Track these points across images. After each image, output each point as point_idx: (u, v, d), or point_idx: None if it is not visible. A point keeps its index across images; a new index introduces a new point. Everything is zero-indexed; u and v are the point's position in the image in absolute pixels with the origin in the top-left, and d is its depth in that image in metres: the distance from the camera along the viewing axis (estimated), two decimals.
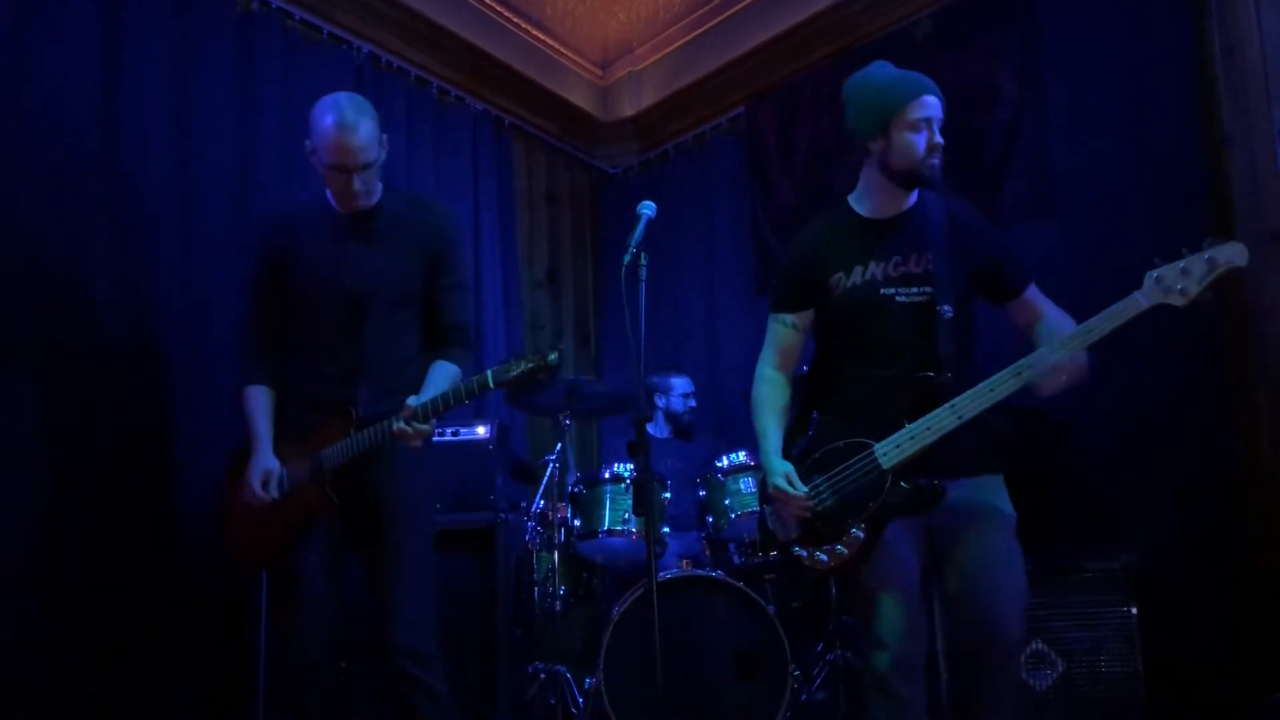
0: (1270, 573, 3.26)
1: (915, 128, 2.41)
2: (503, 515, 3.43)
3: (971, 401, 2.26)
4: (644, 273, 2.56)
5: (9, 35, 3.25)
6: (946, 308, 2.37)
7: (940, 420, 2.28)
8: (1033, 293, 2.50)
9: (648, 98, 6.05)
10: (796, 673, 3.53)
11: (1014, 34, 4.20)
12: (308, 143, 2.64)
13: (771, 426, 2.58)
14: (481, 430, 3.50)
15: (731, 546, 3.97)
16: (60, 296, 3.26)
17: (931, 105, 2.42)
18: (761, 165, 5.26)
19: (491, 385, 2.51)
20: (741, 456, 3.90)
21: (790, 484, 2.42)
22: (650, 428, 4.57)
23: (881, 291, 2.45)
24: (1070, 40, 3.99)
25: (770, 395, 2.63)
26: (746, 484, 3.83)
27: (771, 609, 3.57)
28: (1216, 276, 2.09)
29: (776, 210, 5.16)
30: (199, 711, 3.36)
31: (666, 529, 3.89)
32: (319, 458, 2.61)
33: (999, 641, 2.30)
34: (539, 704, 3.93)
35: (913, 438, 2.31)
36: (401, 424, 2.51)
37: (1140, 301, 2.14)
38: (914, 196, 2.53)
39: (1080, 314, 3.74)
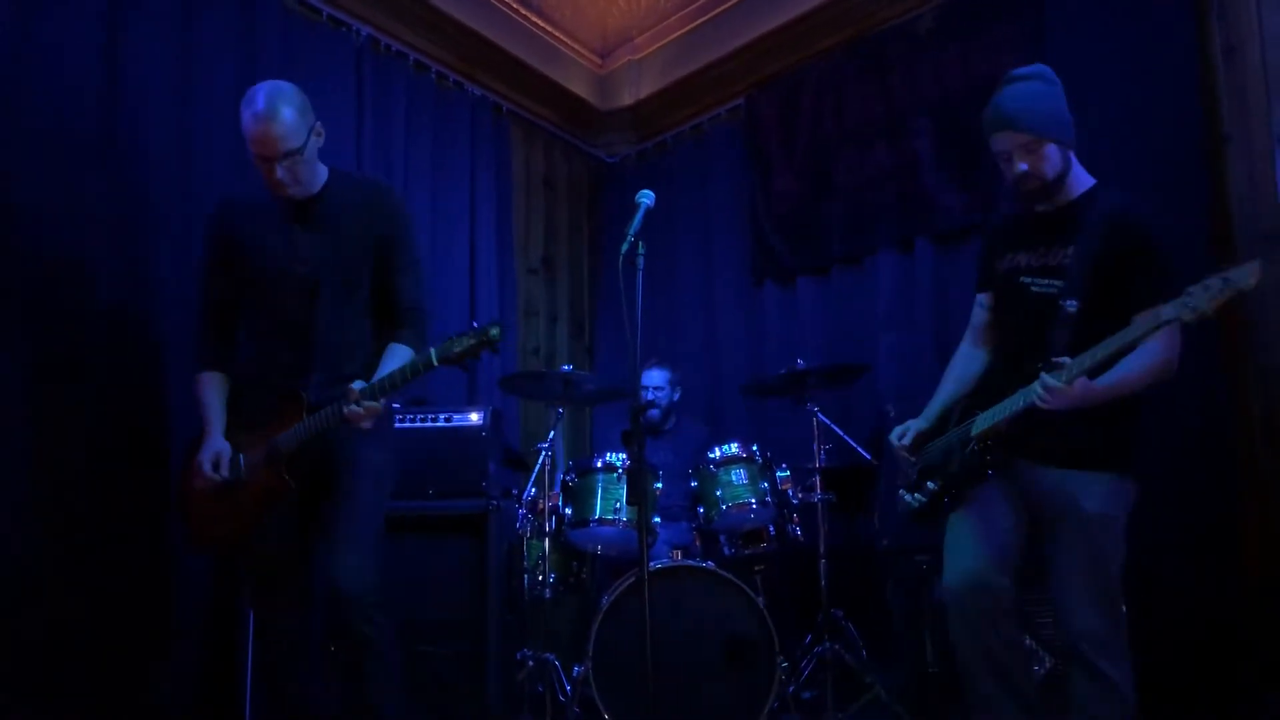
0: (1264, 574, 3.27)
1: (1001, 159, 2.59)
2: (494, 502, 3.42)
3: (1040, 388, 2.33)
4: (641, 262, 2.56)
5: (10, 13, 3.22)
6: (1071, 302, 2.42)
7: (1017, 401, 2.42)
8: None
9: (647, 87, 6.03)
10: (785, 664, 3.53)
11: (1020, 30, 4.18)
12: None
13: (942, 388, 2.83)
14: (475, 416, 3.49)
15: (722, 537, 3.97)
16: (56, 279, 3.24)
17: (1002, 140, 2.54)
18: (761, 156, 5.25)
19: (435, 363, 2.51)
20: (734, 448, 3.90)
21: (901, 437, 2.73)
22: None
23: (1020, 279, 2.61)
24: (1073, 38, 3.97)
25: (953, 363, 2.88)
26: (738, 475, 3.83)
27: (761, 600, 3.58)
28: (1228, 296, 2.08)
29: (775, 202, 5.15)
30: (192, 703, 3.35)
31: (657, 519, 3.88)
32: (274, 442, 2.62)
33: (1069, 634, 2.45)
34: (527, 691, 3.93)
35: (995, 414, 2.48)
36: (351, 406, 2.51)
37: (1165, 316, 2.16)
38: (1080, 187, 2.60)
39: None
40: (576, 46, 6.04)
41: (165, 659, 3.32)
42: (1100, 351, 2.24)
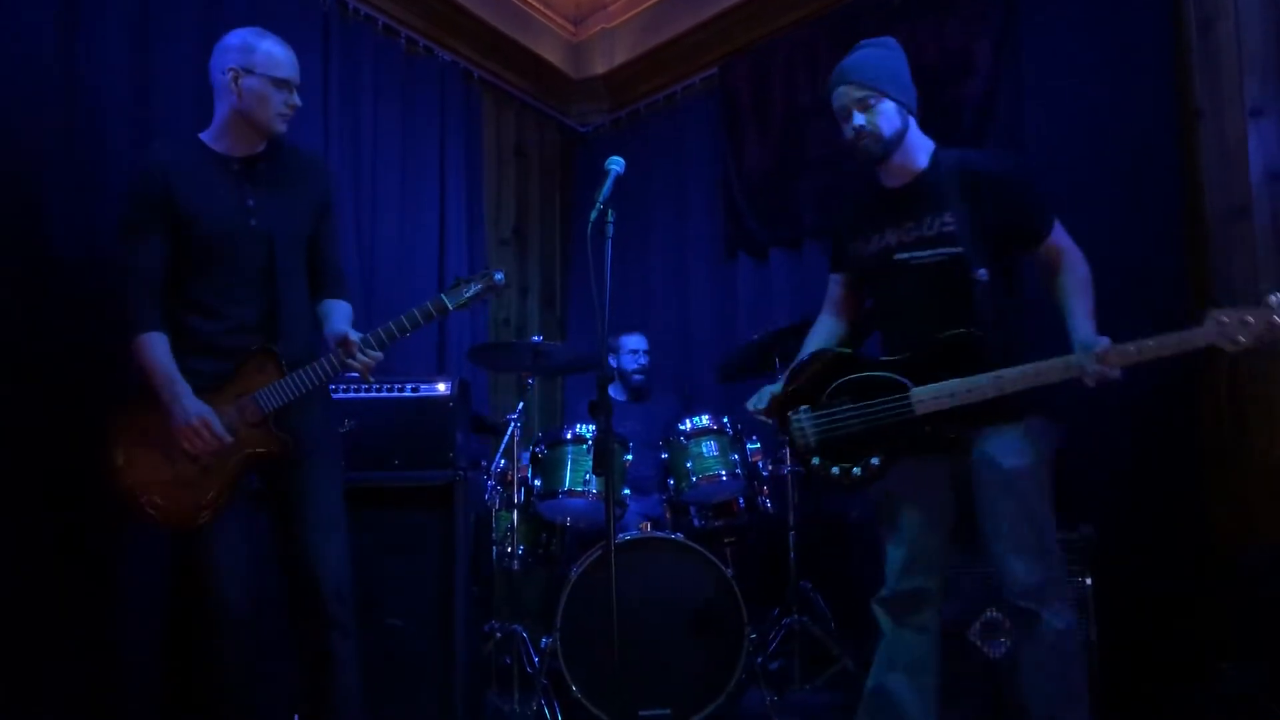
0: (1224, 546, 3.29)
1: (841, 117, 2.65)
2: (462, 472, 3.38)
3: (1017, 378, 2.35)
4: (610, 229, 2.53)
5: None
6: (981, 271, 2.43)
7: (981, 386, 2.38)
8: (1055, 237, 2.52)
9: (620, 55, 5.94)
10: (753, 636, 3.54)
11: (992, 3, 4.15)
12: (233, 68, 2.63)
13: (806, 346, 2.84)
14: (442, 386, 3.44)
15: (692, 509, 3.97)
16: (7, 227, 3.16)
17: (841, 94, 2.62)
18: (735, 126, 5.20)
19: (451, 309, 2.67)
20: (704, 419, 3.89)
21: (758, 401, 2.78)
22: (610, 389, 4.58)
23: (895, 257, 2.60)
24: (1046, 10, 3.95)
25: (814, 333, 2.90)
26: (709, 447, 3.82)
27: (729, 572, 3.58)
28: (1271, 339, 2.12)
29: (749, 172, 5.12)
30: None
31: (627, 491, 3.88)
32: (252, 401, 2.57)
33: (1007, 590, 2.45)
34: (494, 663, 3.92)
35: (952, 394, 2.42)
36: (360, 357, 2.57)
37: (1197, 339, 2.19)
38: (923, 159, 2.63)
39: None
40: (549, 13, 5.94)
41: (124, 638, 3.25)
42: (1145, 352, 2.27)
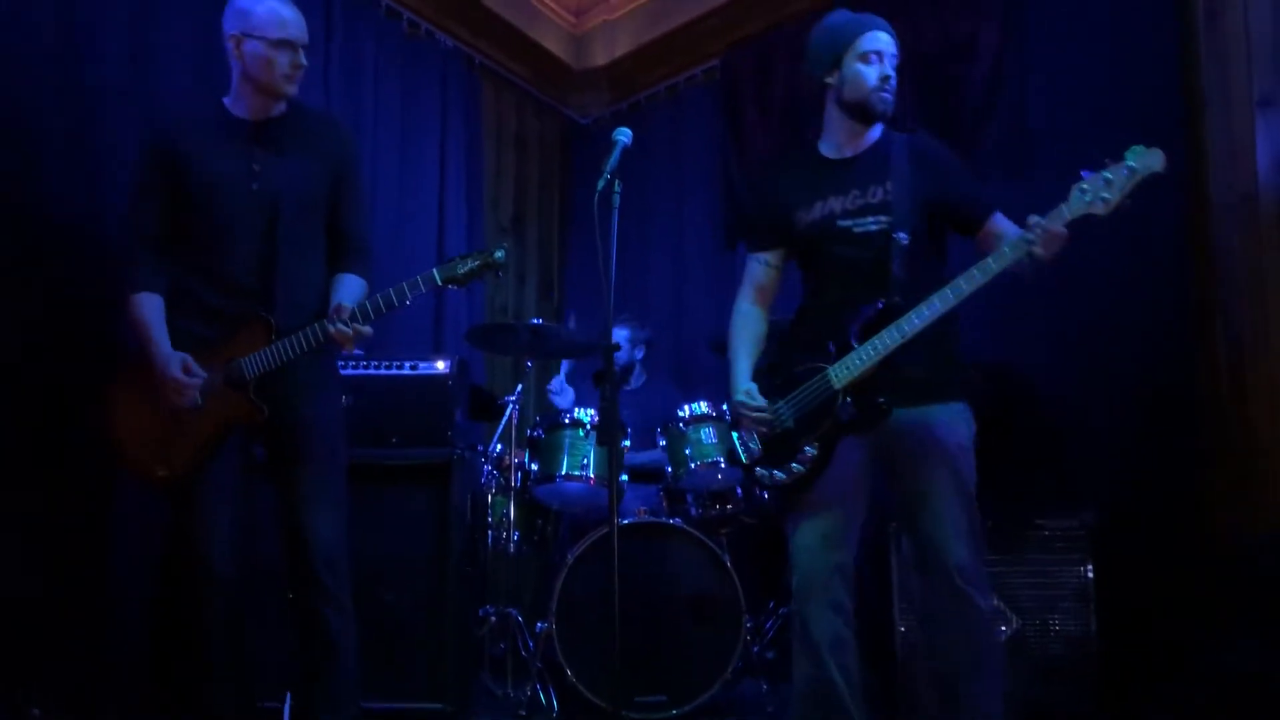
0: (1226, 530, 3.27)
1: (865, 59, 2.53)
2: (460, 451, 3.35)
3: (914, 319, 2.33)
4: (617, 199, 2.50)
5: None
6: (902, 234, 2.44)
7: (886, 340, 2.36)
8: (996, 222, 2.51)
9: (621, 47, 5.91)
10: (750, 624, 3.51)
11: None
12: (234, 34, 2.61)
13: (741, 353, 2.72)
14: (441, 365, 3.41)
15: (689, 497, 3.93)
16: (5, 194, 3.13)
17: (883, 40, 2.55)
18: (736, 118, 5.18)
19: (440, 282, 2.56)
20: (703, 407, 3.85)
21: (750, 397, 2.57)
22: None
23: (839, 224, 2.55)
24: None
25: (741, 325, 2.77)
26: (707, 434, 3.78)
27: (727, 558, 3.55)
28: (1136, 184, 2.13)
29: (750, 164, 5.08)
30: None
31: (625, 477, 3.84)
32: (237, 366, 2.54)
33: (945, 568, 2.37)
34: (488, 648, 3.88)
35: (861, 359, 2.39)
36: (340, 325, 2.49)
37: (1064, 212, 2.18)
38: (875, 133, 2.62)
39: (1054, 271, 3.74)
40: (551, 4, 5.91)
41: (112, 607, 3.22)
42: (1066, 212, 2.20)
